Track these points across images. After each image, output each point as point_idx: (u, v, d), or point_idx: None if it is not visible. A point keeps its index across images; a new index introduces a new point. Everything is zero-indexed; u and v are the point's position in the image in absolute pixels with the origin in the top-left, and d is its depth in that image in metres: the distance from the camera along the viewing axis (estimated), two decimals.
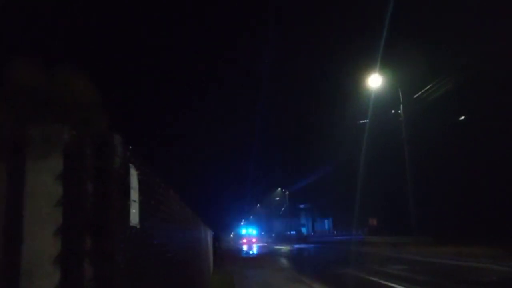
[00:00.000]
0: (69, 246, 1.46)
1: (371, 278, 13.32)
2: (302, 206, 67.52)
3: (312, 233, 61.20)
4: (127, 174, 1.65)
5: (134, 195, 1.72)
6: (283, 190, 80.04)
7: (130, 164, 1.68)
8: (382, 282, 12.28)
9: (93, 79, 2.19)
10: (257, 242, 54.12)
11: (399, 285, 11.31)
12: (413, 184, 27.78)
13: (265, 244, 65.13)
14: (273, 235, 78.99)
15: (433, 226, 26.81)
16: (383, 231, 35.03)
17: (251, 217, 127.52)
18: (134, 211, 1.71)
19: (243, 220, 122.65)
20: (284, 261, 25.37)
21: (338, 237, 46.89)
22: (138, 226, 1.77)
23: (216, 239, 24.50)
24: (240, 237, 53.57)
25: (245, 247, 44.89)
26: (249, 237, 52.07)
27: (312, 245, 43.85)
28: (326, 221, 57.82)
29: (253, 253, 37.14)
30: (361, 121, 32.04)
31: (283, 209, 78.45)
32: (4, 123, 1.63)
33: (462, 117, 25.64)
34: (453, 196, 26.31)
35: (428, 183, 28.14)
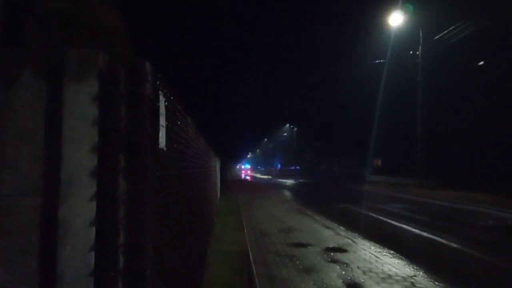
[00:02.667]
0: (104, 162, 1.61)
1: (371, 214, 13.90)
2: (308, 142, 68.18)
3: (317, 170, 62.46)
4: (156, 100, 1.76)
5: (162, 120, 1.85)
6: (291, 126, 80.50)
7: (159, 91, 1.79)
8: (381, 218, 12.84)
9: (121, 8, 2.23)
10: (250, 173, 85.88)
11: (396, 221, 11.83)
12: (423, 128, 27.77)
13: (270, 177, 67.04)
14: (278, 167, 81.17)
15: (438, 171, 27.24)
16: (387, 171, 35.65)
17: (258, 150, 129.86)
18: (161, 135, 1.85)
19: (249, 153, 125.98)
20: (287, 193, 26.27)
21: (342, 175, 47.86)
22: (165, 149, 1.92)
23: (223, 169, 25.24)
24: (241, 169, 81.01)
25: (243, 175, 70.37)
26: (246, 170, 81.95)
27: (315, 181, 45.02)
28: (332, 159, 58.77)
29: (251, 180, 55.72)
30: (377, 61, 31.32)
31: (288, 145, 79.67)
32: (43, 45, 1.71)
33: (481, 63, 24.91)
34: (461, 142, 26.39)
35: (438, 127, 28.09)
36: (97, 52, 1.65)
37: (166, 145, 1.99)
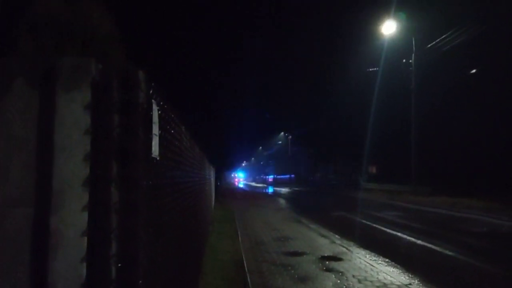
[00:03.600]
0: (97, 171, 1.60)
1: (366, 221, 13.89)
2: (302, 150, 68.17)
3: (312, 178, 62.49)
4: (150, 109, 1.76)
5: (155, 129, 1.84)
6: (286, 134, 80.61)
7: (152, 100, 1.78)
8: (376, 225, 12.83)
9: (114, 15, 2.23)
10: (242, 181, 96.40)
11: (391, 229, 11.83)
12: (417, 135, 27.92)
13: (264, 185, 67.01)
14: (272, 177, 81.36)
15: (433, 177, 27.33)
16: (382, 178, 35.73)
17: (253, 159, 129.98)
18: (154, 143, 1.84)
19: (244, 162, 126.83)
20: (282, 202, 26.22)
21: (337, 182, 47.90)
22: (158, 158, 1.91)
23: (218, 177, 25.18)
24: (234, 178, 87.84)
25: (236, 183, 78.73)
26: (238, 178, 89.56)
27: (311, 189, 45.00)
28: (327, 167, 58.85)
29: (243, 187, 60.93)
30: (370, 69, 31.54)
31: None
32: (36, 52, 1.71)
33: (473, 71, 25.18)
34: (455, 149, 26.55)
35: (432, 134, 28.26)
36: (89, 60, 1.65)
37: (160, 154, 1.98)
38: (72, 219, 1.57)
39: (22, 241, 1.61)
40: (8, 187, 1.64)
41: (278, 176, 79.86)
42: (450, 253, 8.47)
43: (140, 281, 1.61)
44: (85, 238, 1.56)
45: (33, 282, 1.59)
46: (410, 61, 28.61)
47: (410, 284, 6.09)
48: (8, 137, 1.66)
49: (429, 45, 26.38)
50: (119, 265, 1.57)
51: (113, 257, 1.56)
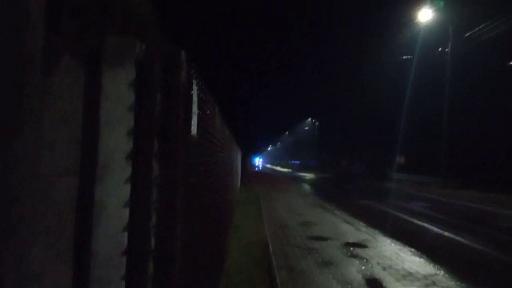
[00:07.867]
0: (139, 146, 1.67)
1: (392, 211, 13.75)
2: (328, 136, 67.34)
3: (336, 165, 62.03)
4: (190, 88, 1.81)
5: (194, 108, 1.90)
6: (313, 120, 79.95)
7: (193, 80, 1.84)
8: (402, 215, 12.69)
9: None
10: (262, 164, 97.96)
11: (418, 220, 11.68)
12: (449, 126, 27.15)
13: (289, 170, 67.02)
14: (297, 162, 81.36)
15: (463, 170, 26.65)
16: (410, 169, 35.08)
17: (278, 143, 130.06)
18: (193, 122, 1.90)
19: (270, 146, 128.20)
20: (307, 187, 26.22)
21: (363, 171, 47.36)
22: (196, 136, 1.97)
23: (244, 160, 25.34)
24: (258, 162, 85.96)
25: (257, 164, 78.44)
26: (259, 162, 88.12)
27: (336, 176, 44.70)
28: (353, 155, 58.23)
29: (265, 171, 63.48)
30: (404, 57, 30.66)
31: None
32: (79, 32, 1.78)
33: (511, 62, 24.12)
34: (487, 142, 25.72)
35: (464, 126, 27.41)
36: (134, 40, 1.71)
37: (197, 132, 2.04)
38: (115, 191, 1.65)
39: (67, 209, 1.71)
40: (55, 158, 1.73)
41: (303, 162, 79.82)
42: (477, 246, 8.31)
43: (177, 252, 1.69)
44: (127, 209, 1.64)
45: (77, 248, 1.69)
46: (446, 50, 27.65)
47: (435, 274, 6.04)
48: (56, 111, 1.75)
49: (466, 34, 25.37)
50: (158, 235, 1.65)
51: (152, 228, 1.65)
